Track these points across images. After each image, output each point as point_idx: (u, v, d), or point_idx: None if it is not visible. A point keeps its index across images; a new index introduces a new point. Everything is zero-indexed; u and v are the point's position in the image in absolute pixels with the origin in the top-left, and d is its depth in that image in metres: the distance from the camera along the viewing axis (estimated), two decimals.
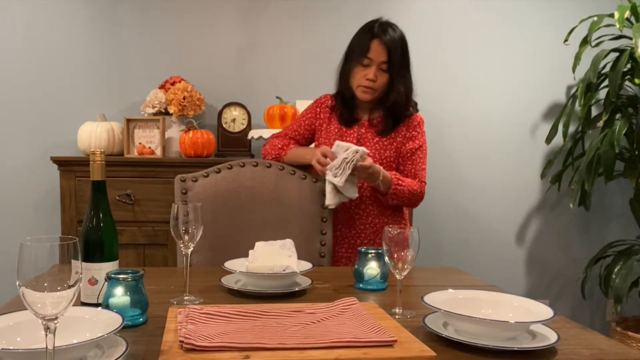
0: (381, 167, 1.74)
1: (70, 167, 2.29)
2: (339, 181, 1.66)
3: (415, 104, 1.91)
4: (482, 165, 2.88)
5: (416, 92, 1.89)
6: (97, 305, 1.08)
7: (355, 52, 1.80)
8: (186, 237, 1.19)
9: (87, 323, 0.90)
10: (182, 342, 0.84)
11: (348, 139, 1.86)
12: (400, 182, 1.78)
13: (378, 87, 1.80)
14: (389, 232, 1.12)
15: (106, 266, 1.14)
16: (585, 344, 0.97)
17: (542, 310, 0.99)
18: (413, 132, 1.86)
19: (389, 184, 1.75)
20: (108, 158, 2.26)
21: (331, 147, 1.75)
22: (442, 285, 1.29)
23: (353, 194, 1.74)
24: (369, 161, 1.68)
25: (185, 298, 1.20)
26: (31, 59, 2.61)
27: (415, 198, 1.82)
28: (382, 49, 1.75)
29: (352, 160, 1.65)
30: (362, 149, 1.66)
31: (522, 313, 1.01)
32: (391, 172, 1.78)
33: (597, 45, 2.59)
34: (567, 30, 2.62)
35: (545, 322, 0.95)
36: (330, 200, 1.73)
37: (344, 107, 1.88)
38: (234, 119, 2.59)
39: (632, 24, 2.48)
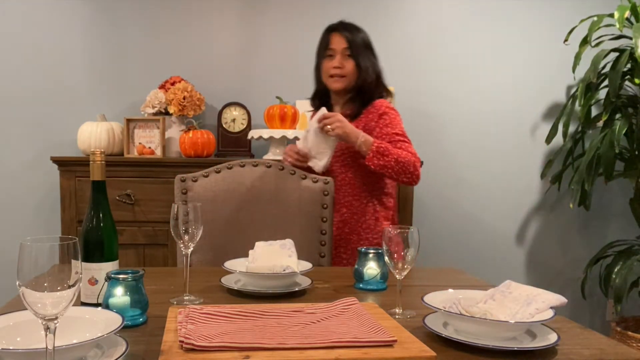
0: (360, 131, 1.80)
1: (70, 167, 2.29)
2: (307, 144, 1.84)
3: (387, 91, 1.99)
4: (482, 165, 2.88)
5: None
6: (97, 305, 1.08)
7: (320, 49, 1.96)
8: (186, 237, 1.19)
9: (87, 323, 0.90)
10: (182, 342, 0.84)
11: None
12: (382, 143, 1.79)
13: (347, 73, 1.89)
14: (389, 232, 1.12)
15: (106, 266, 1.14)
16: (585, 344, 0.97)
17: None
18: (384, 117, 1.88)
19: (370, 144, 1.78)
20: (108, 158, 2.26)
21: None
22: (442, 285, 1.29)
23: (327, 151, 1.85)
24: (334, 114, 1.79)
25: (185, 298, 1.20)
26: (31, 59, 2.61)
27: (404, 166, 1.77)
28: (341, 38, 1.90)
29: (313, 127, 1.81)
30: (322, 109, 1.83)
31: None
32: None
33: (597, 45, 2.59)
34: (567, 30, 2.62)
35: (545, 322, 0.95)
36: (315, 164, 1.86)
37: (321, 105, 1.95)
38: (234, 119, 2.59)
39: (632, 24, 2.48)
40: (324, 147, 1.83)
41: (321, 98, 2.00)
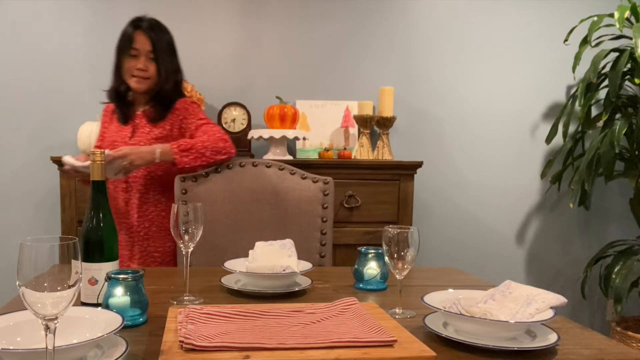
0: (152, 146, 1.77)
1: None
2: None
3: (184, 95, 2.01)
4: (482, 165, 2.88)
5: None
6: (97, 305, 1.08)
7: (123, 45, 1.90)
8: (186, 237, 1.19)
9: (87, 323, 0.90)
10: (182, 342, 0.84)
11: (124, 133, 1.92)
12: (179, 142, 1.79)
13: (150, 76, 1.89)
14: (389, 232, 1.12)
15: (106, 266, 1.14)
16: (585, 344, 0.97)
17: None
18: (189, 110, 1.92)
19: (170, 149, 1.77)
20: None
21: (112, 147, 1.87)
22: (442, 285, 1.29)
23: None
24: (121, 152, 1.70)
25: (185, 298, 1.20)
26: (31, 59, 2.61)
27: (213, 147, 1.80)
28: (145, 39, 1.87)
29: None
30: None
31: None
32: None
33: (597, 45, 2.59)
34: (567, 30, 2.62)
35: (545, 322, 0.95)
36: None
37: (119, 103, 1.95)
38: (234, 119, 2.59)
39: (632, 24, 2.48)
40: (109, 174, 1.78)
41: (118, 94, 1.96)
